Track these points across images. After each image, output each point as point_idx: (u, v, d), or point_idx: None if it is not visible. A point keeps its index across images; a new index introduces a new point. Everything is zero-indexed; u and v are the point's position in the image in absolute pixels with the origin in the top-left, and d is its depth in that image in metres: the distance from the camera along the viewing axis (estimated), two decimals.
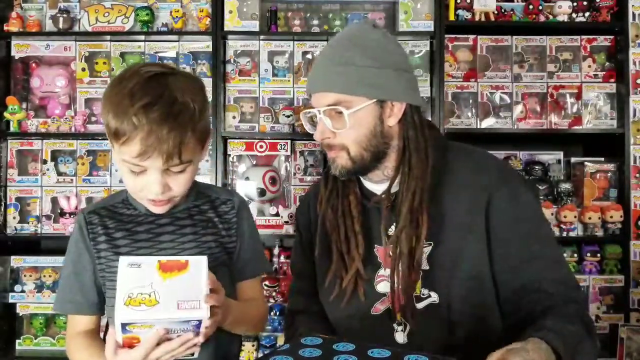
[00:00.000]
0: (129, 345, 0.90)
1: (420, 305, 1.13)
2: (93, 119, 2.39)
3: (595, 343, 1.05)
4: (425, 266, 1.13)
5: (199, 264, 0.90)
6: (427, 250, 1.13)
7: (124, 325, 0.85)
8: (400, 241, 1.12)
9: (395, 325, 1.15)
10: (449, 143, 1.23)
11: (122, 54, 2.41)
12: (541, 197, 2.33)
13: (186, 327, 0.89)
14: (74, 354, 1.10)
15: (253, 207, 2.31)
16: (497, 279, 1.12)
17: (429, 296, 1.13)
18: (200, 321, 0.89)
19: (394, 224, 1.15)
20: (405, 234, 1.11)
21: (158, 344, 0.90)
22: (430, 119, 2.31)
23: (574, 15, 2.34)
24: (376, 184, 1.21)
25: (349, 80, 1.11)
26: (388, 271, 1.15)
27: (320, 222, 1.24)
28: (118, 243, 1.08)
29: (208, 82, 2.24)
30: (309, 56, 2.41)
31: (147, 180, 0.99)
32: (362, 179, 1.23)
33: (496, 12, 2.33)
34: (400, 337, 1.15)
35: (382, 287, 1.16)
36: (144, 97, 0.95)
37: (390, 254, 1.14)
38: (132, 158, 0.96)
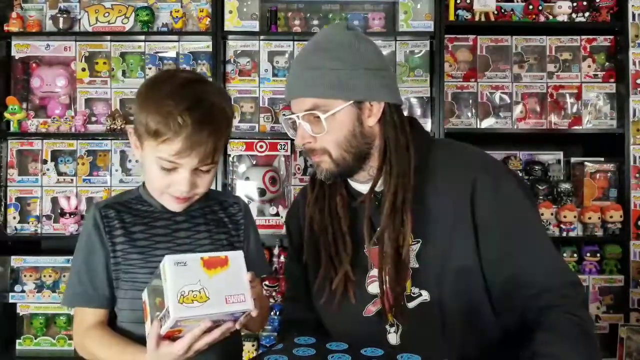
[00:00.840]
0: (170, 337, 0.94)
1: (411, 305, 1.12)
2: (93, 119, 2.39)
3: (595, 351, 1.04)
4: (414, 264, 1.12)
5: (238, 259, 0.94)
6: (415, 247, 1.12)
7: (177, 321, 0.89)
8: (384, 241, 1.11)
9: (387, 326, 1.14)
10: (432, 139, 1.24)
11: (122, 54, 2.41)
12: (541, 197, 2.33)
13: (229, 318, 0.94)
14: (92, 347, 1.08)
15: (253, 207, 2.31)
16: (484, 271, 1.11)
17: (420, 295, 1.12)
18: (243, 312, 0.94)
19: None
20: (389, 234, 1.11)
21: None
22: (430, 119, 2.31)
23: (573, 15, 2.34)
24: (362, 184, 1.20)
25: (322, 84, 1.10)
26: (377, 272, 1.14)
27: (308, 225, 1.23)
28: (136, 237, 1.10)
29: None
30: None
31: (176, 177, 1.04)
32: (348, 179, 1.22)
33: (496, 12, 2.34)
34: (393, 338, 1.14)
35: (373, 288, 1.16)
36: (185, 99, 1.01)
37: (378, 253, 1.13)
38: (170, 156, 1.01)
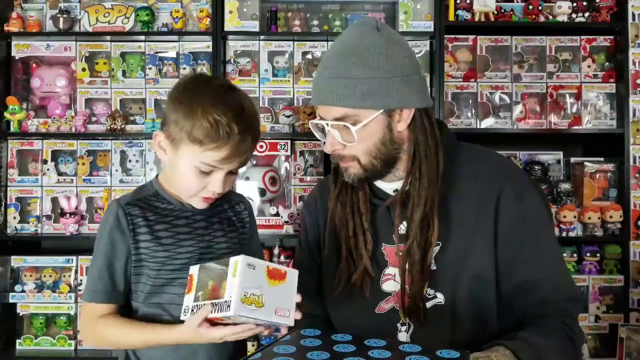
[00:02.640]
0: (211, 320, 1.00)
1: (425, 306, 1.14)
2: (93, 119, 2.39)
3: (575, 357, 1.07)
4: (432, 266, 1.13)
5: (293, 277, 1.02)
6: (435, 250, 1.13)
7: (232, 316, 0.95)
8: (412, 248, 1.12)
9: (399, 325, 1.16)
10: (459, 144, 1.23)
11: (123, 54, 2.41)
12: None
13: (268, 325, 1.02)
14: (107, 331, 1.10)
15: (253, 207, 2.30)
16: (497, 278, 1.13)
17: (435, 297, 1.13)
18: (281, 325, 1.02)
19: (403, 222, 1.16)
20: (416, 237, 1.11)
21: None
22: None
23: (573, 15, 2.34)
24: (385, 183, 1.20)
25: (353, 94, 1.08)
26: (394, 270, 1.16)
27: (329, 219, 1.23)
28: (160, 234, 1.11)
29: None
30: (309, 56, 2.42)
31: (211, 179, 1.09)
32: None
33: (496, 12, 2.34)
34: (404, 336, 1.15)
35: (388, 286, 1.17)
36: (231, 108, 1.05)
37: (400, 254, 1.14)
38: (214, 161, 1.06)
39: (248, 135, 1.07)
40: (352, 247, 1.18)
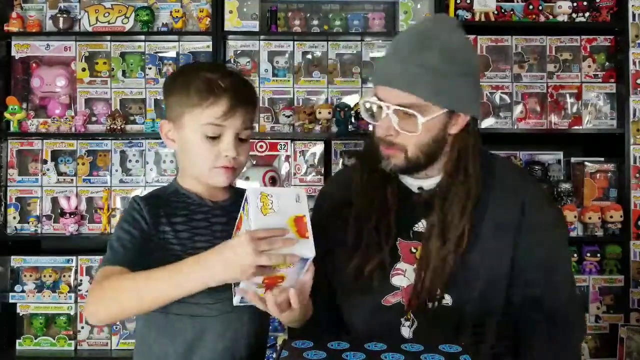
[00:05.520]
0: (271, 284, 0.98)
1: (432, 305, 1.14)
2: (93, 119, 2.39)
3: None
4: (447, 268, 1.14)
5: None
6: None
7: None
8: (432, 247, 1.12)
9: (402, 320, 1.16)
10: (493, 155, 1.25)
11: (122, 54, 2.41)
12: None
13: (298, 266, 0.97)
14: (118, 285, 0.97)
15: None
16: (507, 284, 1.15)
17: (443, 298, 1.14)
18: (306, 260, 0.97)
19: (422, 221, 1.17)
20: (440, 242, 1.12)
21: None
22: None
23: (574, 15, 2.34)
24: (413, 179, 1.20)
25: (429, 86, 1.06)
26: (406, 265, 1.16)
27: (354, 209, 1.20)
28: (178, 228, 1.09)
29: None
30: (309, 56, 2.42)
31: (221, 145, 1.08)
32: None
33: (496, 12, 2.33)
34: (406, 332, 1.16)
35: (397, 280, 1.17)
36: (219, 70, 1.13)
37: (413, 250, 1.15)
38: (216, 119, 1.06)
39: (244, 88, 1.10)
40: (372, 239, 1.16)
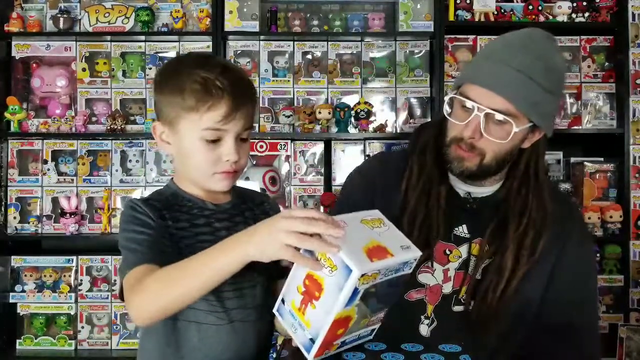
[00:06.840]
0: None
1: (456, 309, 1.16)
2: (93, 119, 2.39)
3: None
4: (477, 275, 1.16)
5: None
6: (487, 261, 1.16)
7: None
8: (472, 254, 1.16)
9: (422, 317, 1.17)
10: (546, 179, 1.27)
11: (123, 54, 2.41)
12: None
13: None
14: (155, 280, 0.90)
15: None
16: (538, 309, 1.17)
17: (469, 304, 1.15)
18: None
19: (463, 225, 1.19)
20: (484, 251, 1.15)
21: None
22: (430, 119, 2.31)
23: (573, 15, 2.34)
24: (464, 184, 1.20)
25: (529, 98, 1.06)
26: (436, 265, 1.17)
27: (401, 202, 1.19)
28: (181, 235, 1.03)
29: None
30: (309, 56, 2.42)
31: (222, 149, 1.01)
32: (450, 175, 1.20)
33: (496, 12, 2.33)
34: (424, 330, 1.17)
35: (423, 277, 1.18)
36: (214, 66, 1.01)
37: (448, 252, 1.17)
38: (217, 122, 0.99)
39: (242, 87, 1.02)
40: (418, 234, 1.15)
